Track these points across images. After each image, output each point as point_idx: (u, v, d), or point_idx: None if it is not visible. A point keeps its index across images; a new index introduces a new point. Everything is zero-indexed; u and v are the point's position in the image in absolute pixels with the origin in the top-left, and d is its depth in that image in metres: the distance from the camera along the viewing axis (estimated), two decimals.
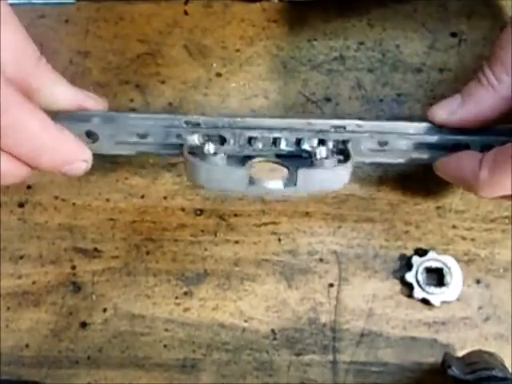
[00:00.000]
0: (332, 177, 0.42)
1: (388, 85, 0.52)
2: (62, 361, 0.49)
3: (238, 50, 0.53)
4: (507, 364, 0.44)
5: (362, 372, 0.48)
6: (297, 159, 0.43)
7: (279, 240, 0.50)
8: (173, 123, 0.43)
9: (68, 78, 0.42)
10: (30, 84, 0.39)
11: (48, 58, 0.40)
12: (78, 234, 0.50)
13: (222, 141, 0.43)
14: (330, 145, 0.43)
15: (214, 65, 0.53)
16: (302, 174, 0.40)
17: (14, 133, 0.36)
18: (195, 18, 0.54)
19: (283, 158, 0.44)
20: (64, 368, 0.48)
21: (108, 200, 0.51)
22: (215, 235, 0.50)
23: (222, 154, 0.41)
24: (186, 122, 0.43)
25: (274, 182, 0.41)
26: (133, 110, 0.52)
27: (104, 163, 0.50)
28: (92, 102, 0.42)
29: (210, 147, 0.41)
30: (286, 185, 0.41)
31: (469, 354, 0.45)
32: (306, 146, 0.43)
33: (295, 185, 0.40)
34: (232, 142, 0.43)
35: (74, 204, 0.51)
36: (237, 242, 0.50)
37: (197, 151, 0.42)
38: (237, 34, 0.53)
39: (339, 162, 0.42)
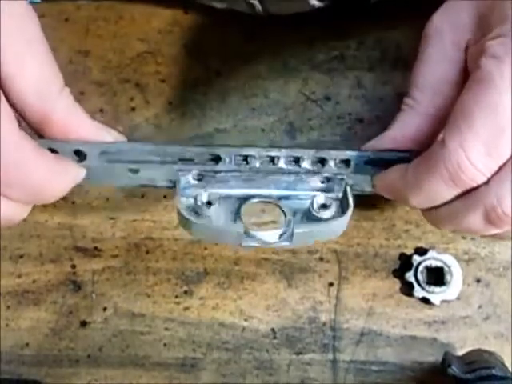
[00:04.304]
0: (330, 229, 0.41)
1: (388, 84, 0.52)
2: (62, 360, 0.49)
3: (237, 49, 0.53)
4: (507, 363, 0.44)
5: (362, 371, 0.48)
6: (294, 201, 0.42)
7: None
8: (165, 159, 0.41)
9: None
10: (46, 112, 0.37)
11: None
12: (78, 233, 0.50)
13: (217, 159, 0.42)
14: (330, 169, 0.42)
15: (214, 64, 0.53)
16: (299, 230, 0.40)
17: (6, 167, 0.34)
18: (195, 16, 0.54)
19: (281, 201, 0.43)
20: (64, 367, 0.48)
21: (108, 199, 0.51)
22: None
23: (217, 205, 0.40)
24: (180, 159, 0.41)
25: (270, 234, 0.41)
26: (133, 109, 0.52)
27: None
28: (108, 139, 0.40)
29: (203, 197, 0.41)
30: (281, 237, 0.40)
31: (469, 353, 0.45)
32: (305, 165, 0.42)
33: (291, 241, 0.40)
34: (228, 160, 0.42)
35: (73, 203, 0.51)
36: None
37: (191, 204, 0.41)
38: (237, 33, 0.53)
39: (337, 212, 0.41)
